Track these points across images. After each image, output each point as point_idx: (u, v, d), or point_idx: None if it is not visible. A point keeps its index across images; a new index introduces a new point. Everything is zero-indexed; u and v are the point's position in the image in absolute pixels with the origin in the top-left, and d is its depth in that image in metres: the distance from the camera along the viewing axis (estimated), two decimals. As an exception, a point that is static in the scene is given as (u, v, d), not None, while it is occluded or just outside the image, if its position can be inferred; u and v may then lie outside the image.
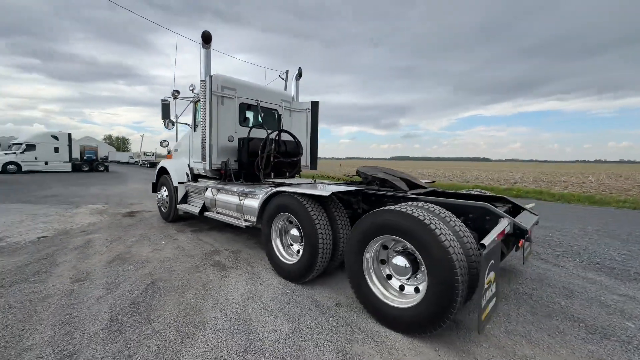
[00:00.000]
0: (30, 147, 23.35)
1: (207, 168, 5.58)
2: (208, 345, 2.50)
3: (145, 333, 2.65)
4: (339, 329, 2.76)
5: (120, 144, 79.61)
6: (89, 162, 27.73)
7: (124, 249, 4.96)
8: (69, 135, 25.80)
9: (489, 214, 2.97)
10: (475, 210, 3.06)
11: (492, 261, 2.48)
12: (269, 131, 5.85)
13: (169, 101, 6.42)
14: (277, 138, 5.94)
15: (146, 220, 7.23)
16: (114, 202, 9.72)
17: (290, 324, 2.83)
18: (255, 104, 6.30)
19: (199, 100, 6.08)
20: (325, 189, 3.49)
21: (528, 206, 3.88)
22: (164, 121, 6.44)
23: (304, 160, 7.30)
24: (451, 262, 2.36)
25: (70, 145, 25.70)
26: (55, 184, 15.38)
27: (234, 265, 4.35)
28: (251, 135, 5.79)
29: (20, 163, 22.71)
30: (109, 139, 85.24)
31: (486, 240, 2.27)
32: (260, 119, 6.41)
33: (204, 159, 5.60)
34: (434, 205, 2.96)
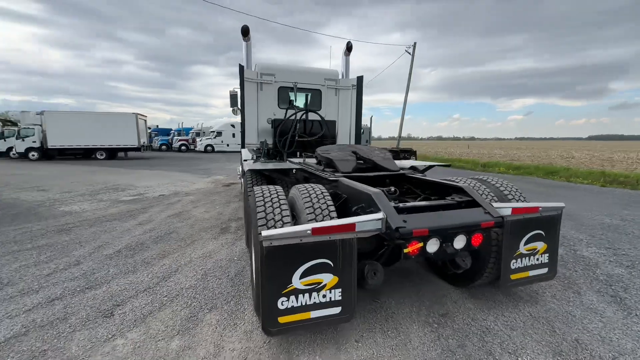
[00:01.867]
0: (219, 133, 32.33)
1: (242, 147, 6.48)
2: (134, 280, 3.30)
3: (119, 263, 3.75)
4: (220, 298, 2.96)
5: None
6: (253, 144, 35.56)
7: (189, 208, 6.63)
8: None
9: (372, 205, 2.27)
10: (365, 198, 2.40)
11: (326, 260, 2.01)
12: (296, 111, 6.06)
13: (237, 92, 7.66)
14: (303, 118, 6.07)
15: (232, 191, 9.07)
16: (232, 176, 12.53)
17: (197, 283, 3.25)
18: (291, 87, 6.59)
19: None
20: (251, 166, 3.55)
21: (547, 205, 2.54)
22: (232, 109, 7.77)
23: (348, 139, 7.04)
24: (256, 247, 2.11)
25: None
26: (220, 160, 20.97)
27: (234, 231, 5.06)
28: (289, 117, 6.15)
29: (213, 145, 31.99)
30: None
31: (270, 232, 1.87)
32: (295, 99, 6.65)
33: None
34: (322, 189, 2.55)
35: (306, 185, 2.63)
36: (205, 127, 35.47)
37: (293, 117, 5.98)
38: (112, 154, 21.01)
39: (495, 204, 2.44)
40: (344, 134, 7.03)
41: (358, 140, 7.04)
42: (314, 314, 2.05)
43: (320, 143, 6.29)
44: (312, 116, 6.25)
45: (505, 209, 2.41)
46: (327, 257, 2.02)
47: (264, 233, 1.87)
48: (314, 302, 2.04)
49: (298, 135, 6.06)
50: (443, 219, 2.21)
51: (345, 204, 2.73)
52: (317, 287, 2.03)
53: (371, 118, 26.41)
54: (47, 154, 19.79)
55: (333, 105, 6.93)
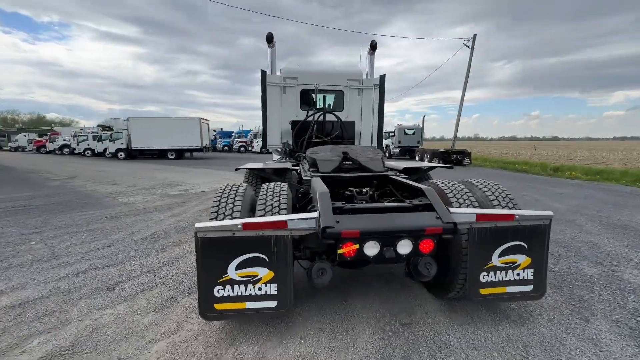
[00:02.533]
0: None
1: (263, 147, 6.83)
2: (144, 262, 3.81)
3: (140, 247, 4.35)
4: (180, 283, 3.24)
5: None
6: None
7: (220, 204, 7.24)
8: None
9: (315, 205, 2.28)
10: (315, 197, 2.41)
11: (260, 255, 2.12)
12: (313, 112, 6.18)
13: None
14: (319, 119, 6.15)
15: (266, 188, 9.60)
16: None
17: (191, 269, 3.59)
18: (313, 89, 6.72)
19: None
20: (244, 165, 3.78)
21: (528, 213, 2.25)
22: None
23: (369, 140, 6.88)
24: None
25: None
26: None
27: (247, 226, 5.41)
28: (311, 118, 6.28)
29: (268, 146, 33.91)
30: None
31: (203, 224, 2.02)
32: (316, 101, 6.74)
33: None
34: (283, 188, 2.66)
35: (270, 183, 2.75)
36: (258, 131, 37.82)
37: (310, 119, 6.12)
38: (180, 154, 23.81)
39: (454, 209, 2.22)
40: (367, 135, 6.91)
41: (380, 140, 6.86)
42: (250, 304, 2.15)
43: (337, 144, 6.30)
44: (332, 117, 6.30)
45: (466, 214, 2.19)
46: (261, 252, 2.11)
47: (197, 225, 2.04)
48: (250, 294, 2.15)
49: (315, 137, 6.18)
50: (382, 222, 2.11)
51: (309, 203, 2.78)
52: (253, 280, 2.14)
53: (423, 118, 25.11)
54: (131, 154, 23.36)
55: (356, 105, 6.87)
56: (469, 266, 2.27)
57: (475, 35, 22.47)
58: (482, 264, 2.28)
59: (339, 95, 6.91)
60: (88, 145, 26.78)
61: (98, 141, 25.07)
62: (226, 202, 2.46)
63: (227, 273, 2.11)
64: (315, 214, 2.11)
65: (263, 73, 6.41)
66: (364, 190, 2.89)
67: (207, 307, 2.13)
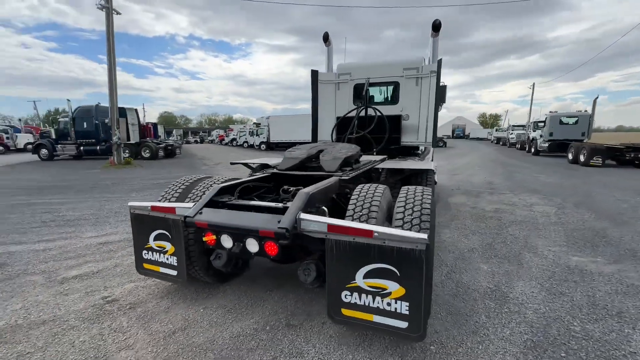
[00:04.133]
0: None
1: (313, 142, 7.17)
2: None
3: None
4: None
5: (492, 120, 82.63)
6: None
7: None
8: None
9: None
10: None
11: (165, 232, 2.71)
12: (356, 106, 6.07)
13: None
14: (361, 113, 5.97)
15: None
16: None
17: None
18: (364, 83, 6.50)
19: None
20: (236, 159, 4.33)
21: (395, 233, 1.90)
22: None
23: (423, 135, 6.05)
24: None
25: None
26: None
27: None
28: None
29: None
30: (482, 117, 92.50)
31: (132, 203, 2.72)
32: (366, 95, 6.47)
33: None
34: (217, 182, 3.12)
35: (216, 178, 3.23)
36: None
37: (351, 115, 6.05)
38: (305, 146, 27.05)
39: (306, 216, 2.05)
40: (423, 128, 6.13)
41: (434, 133, 5.96)
42: (162, 269, 2.77)
43: (380, 139, 5.96)
44: (379, 112, 6.00)
45: (317, 223, 2.00)
46: (166, 230, 2.68)
47: (130, 203, 2.81)
48: (161, 261, 2.76)
49: (356, 132, 6.07)
50: (229, 218, 2.24)
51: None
52: (163, 251, 2.74)
53: (594, 101, 18.43)
54: (270, 146, 28.39)
55: (414, 96, 6.20)
56: (327, 280, 2.07)
57: None
58: (344, 281, 2.03)
59: (395, 87, 6.41)
60: (245, 139, 34.31)
61: (251, 135, 31.76)
62: (172, 189, 3.14)
63: (149, 242, 2.80)
64: (189, 205, 2.49)
65: (314, 72, 6.76)
66: (291, 189, 2.95)
67: (138, 265, 2.90)
